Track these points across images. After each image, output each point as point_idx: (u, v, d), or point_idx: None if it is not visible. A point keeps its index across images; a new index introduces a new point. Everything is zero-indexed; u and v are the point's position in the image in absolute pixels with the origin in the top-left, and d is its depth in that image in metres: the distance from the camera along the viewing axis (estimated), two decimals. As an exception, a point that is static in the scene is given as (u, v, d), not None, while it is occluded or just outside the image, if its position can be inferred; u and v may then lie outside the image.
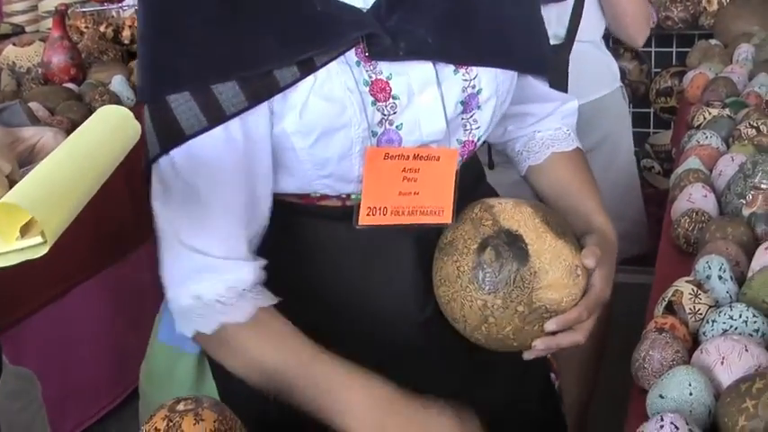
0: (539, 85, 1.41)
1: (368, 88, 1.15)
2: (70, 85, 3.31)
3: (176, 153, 1.11)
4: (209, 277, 1.13)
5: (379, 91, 1.16)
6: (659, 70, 4.04)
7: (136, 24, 3.91)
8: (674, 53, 4.12)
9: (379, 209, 1.19)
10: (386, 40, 1.15)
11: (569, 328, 1.22)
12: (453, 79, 1.22)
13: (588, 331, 1.24)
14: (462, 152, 1.27)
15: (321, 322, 1.19)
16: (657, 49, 4.12)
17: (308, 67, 1.12)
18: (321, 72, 1.13)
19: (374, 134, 1.17)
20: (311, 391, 1.14)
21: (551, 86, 1.43)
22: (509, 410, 1.38)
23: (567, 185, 1.39)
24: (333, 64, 1.13)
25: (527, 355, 1.23)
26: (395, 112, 1.17)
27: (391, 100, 1.17)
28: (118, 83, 3.27)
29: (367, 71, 1.15)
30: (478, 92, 1.24)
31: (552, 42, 1.86)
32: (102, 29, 3.98)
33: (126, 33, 3.98)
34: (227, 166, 1.12)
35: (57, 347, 2.76)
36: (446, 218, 1.23)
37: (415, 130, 1.20)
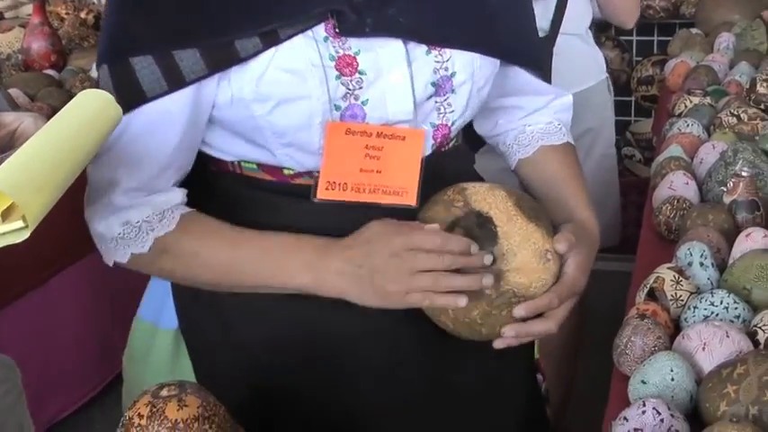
0: (529, 78, 1.39)
1: (333, 63, 1.15)
2: (50, 72, 3.28)
3: (133, 113, 1.14)
4: (136, 207, 1.18)
5: (345, 66, 1.16)
6: (640, 59, 4.06)
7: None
8: (655, 42, 4.14)
9: (339, 184, 1.19)
10: (352, 16, 1.15)
11: (541, 316, 1.19)
12: (425, 59, 1.21)
13: (561, 321, 1.20)
14: (435, 136, 1.26)
15: (285, 302, 1.21)
16: (639, 38, 4.14)
17: (270, 39, 1.13)
18: (284, 44, 1.14)
19: (338, 108, 1.17)
20: (257, 266, 1.17)
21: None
22: (492, 406, 1.38)
23: (553, 178, 1.37)
24: (298, 38, 1.14)
25: (497, 344, 1.19)
26: (360, 88, 1.17)
27: (357, 75, 1.17)
28: (98, 69, 3.25)
29: (334, 47, 1.16)
30: (452, 75, 1.23)
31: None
32: (82, 15, 3.95)
33: (107, 20, 3.95)
34: (171, 125, 1.16)
35: (38, 335, 2.75)
36: (409, 199, 1.21)
37: (381, 107, 1.19)
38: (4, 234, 0.79)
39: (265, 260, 1.18)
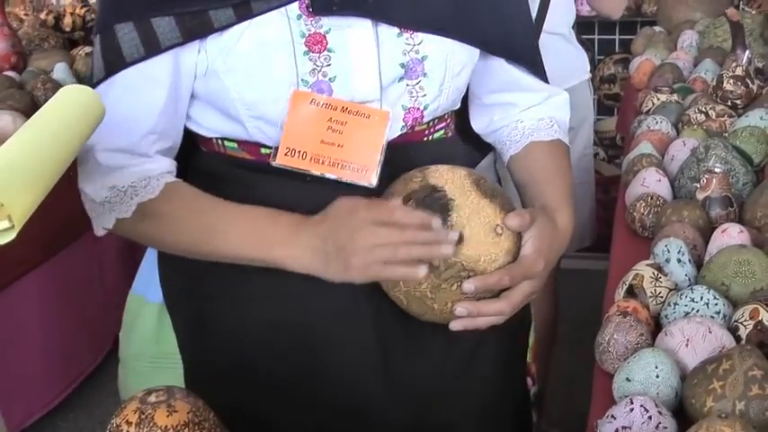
0: (520, 75, 1.40)
1: (303, 40, 1.19)
2: (11, 74, 3.23)
3: (116, 77, 1.21)
4: (123, 170, 1.22)
5: (315, 43, 1.20)
6: (602, 57, 4.08)
7: (77, 12, 3.86)
8: (617, 40, 4.18)
9: (299, 152, 1.22)
10: None
11: (494, 296, 1.19)
12: (395, 41, 1.24)
13: (515, 304, 1.20)
14: (406, 119, 1.28)
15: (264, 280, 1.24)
16: (600, 37, 4.17)
17: (244, 12, 1.18)
18: (257, 19, 1.19)
19: (305, 83, 1.20)
20: (239, 235, 1.20)
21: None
22: (480, 404, 1.38)
23: (536, 173, 1.38)
24: (272, 13, 1.19)
25: (453, 325, 1.19)
26: (329, 65, 1.21)
27: (326, 52, 1.21)
28: (60, 71, 3.20)
29: (306, 25, 1.20)
30: (423, 58, 1.25)
31: None
32: (42, 16, 3.91)
33: (67, 21, 3.90)
34: (152, 90, 1.22)
35: (1, 340, 2.71)
36: (368, 178, 1.23)
37: (347, 85, 1.22)
38: None
39: (247, 230, 1.20)
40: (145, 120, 1.22)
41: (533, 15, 2.32)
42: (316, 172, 1.22)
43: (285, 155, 1.22)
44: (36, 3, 4.12)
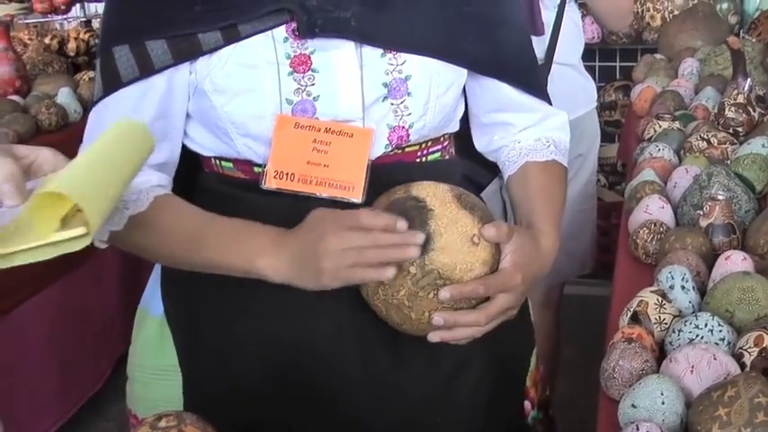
0: (513, 94, 1.41)
1: (288, 61, 1.25)
2: (15, 98, 3.26)
3: (113, 96, 1.27)
4: None
5: (300, 64, 1.25)
6: (603, 84, 4.10)
7: (81, 36, 3.88)
8: (617, 67, 4.19)
9: (287, 174, 1.27)
10: (303, 16, 1.23)
11: (472, 308, 1.20)
12: (378, 61, 1.28)
13: (491, 316, 1.21)
14: (391, 137, 1.30)
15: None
16: (601, 64, 4.19)
17: (231, 35, 1.24)
18: (244, 42, 1.24)
19: (289, 102, 1.26)
20: (225, 245, 1.23)
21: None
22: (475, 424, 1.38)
23: (528, 192, 1.40)
24: (258, 36, 1.24)
25: (431, 336, 1.21)
26: (313, 84, 1.26)
27: (310, 72, 1.25)
28: (64, 95, 3.22)
29: (292, 47, 1.25)
30: (407, 78, 1.29)
31: None
32: (46, 41, 3.93)
33: (71, 45, 3.93)
34: (146, 108, 1.27)
35: (2, 364, 2.71)
36: (356, 194, 1.27)
37: (331, 104, 1.26)
38: (65, 241, 0.81)
39: (230, 241, 1.23)
40: None
41: (545, 47, 2.37)
42: (305, 192, 1.26)
43: (274, 177, 1.27)
44: (40, 28, 4.14)
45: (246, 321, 1.31)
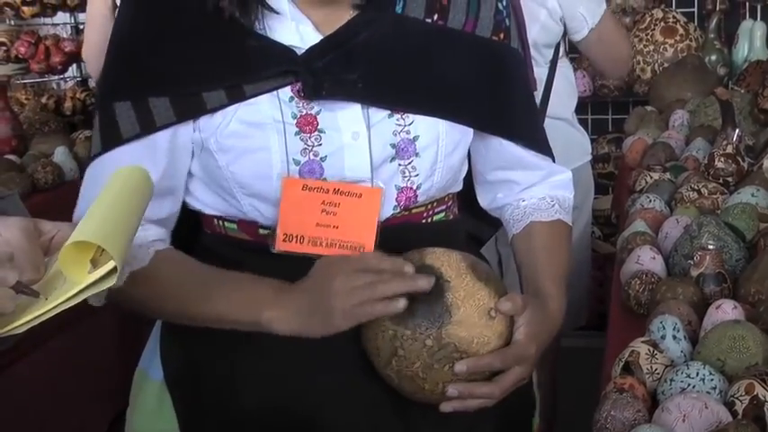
0: (518, 152, 1.41)
1: (295, 120, 1.24)
2: (12, 157, 3.27)
3: (113, 152, 1.26)
4: None
5: (306, 124, 1.24)
6: (596, 137, 4.13)
7: (78, 96, 3.91)
8: (609, 120, 4.22)
9: (296, 237, 1.25)
10: (309, 79, 1.23)
11: (486, 380, 1.20)
12: (386, 122, 1.27)
13: (505, 389, 1.21)
14: (399, 198, 1.30)
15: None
16: (594, 117, 4.22)
17: (236, 95, 1.23)
18: (249, 101, 1.24)
19: (297, 162, 1.24)
20: (229, 297, 1.22)
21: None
22: None
23: (533, 253, 1.39)
24: (264, 96, 1.23)
25: (443, 407, 1.20)
26: (320, 144, 1.25)
27: (317, 132, 1.24)
28: (60, 154, 3.24)
29: (298, 107, 1.24)
30: (415, 138, 1.28)
31: None
32: (43, 100, 3.96)
33: (68, 105, 3.95)
34: (147, 163, 1.20)
35: (2, 419, 2.70)
36: None
37: (338, 165, 1.26)
38: (97, 282, 0.86)
39: (235, 293, 1.22)
40: None
41: (537, 101, 2.41)
42: (315, 254, 1.24)
43: (284, 241, 1.25)
44: (37, 87, 4.18)
45: (251, 388, 1.28)
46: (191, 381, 1.33)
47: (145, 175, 1.03)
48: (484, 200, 1.49)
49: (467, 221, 1.51)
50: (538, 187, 1.45)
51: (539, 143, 1.44)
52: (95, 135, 1.28)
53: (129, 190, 0.97)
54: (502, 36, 1.36)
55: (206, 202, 1.32)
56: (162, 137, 1.25)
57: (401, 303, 1.15)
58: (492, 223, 1.55)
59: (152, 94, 1.24)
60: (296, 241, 1.25)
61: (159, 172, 1.25)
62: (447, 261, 1.21)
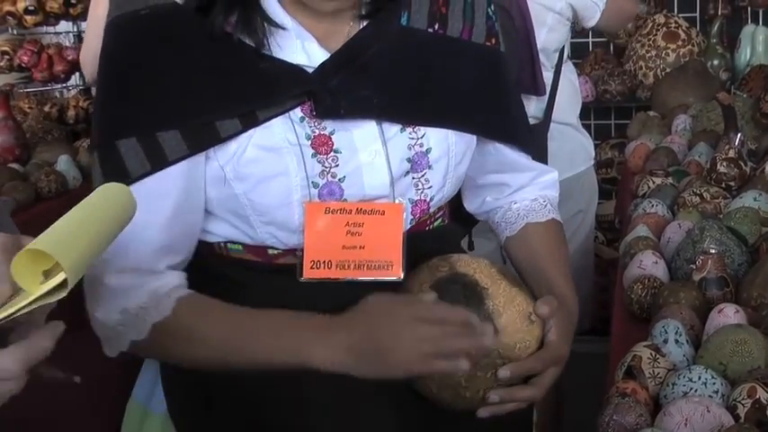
0: (512, 155, 1.43)
1: (309, 142, 1.20)
2: (15, 166, 3.27)
3: None
4: (132, 291, 1.18)
5: (321, 145, 1.21)
6: (599, 142, 4.13)
7: (81, 104, 3.91)
8: (612, 125, 4.22)
9: (324, 262, 1.22)
10: (326, 99, 1.20)
11: (524, 383, 1.21)
12: (400, 137, 1.26)
13: (545, 389, 1.23)
14: (414, 212, 1.29)
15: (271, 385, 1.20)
16: (597, 122, 4.22)
17: (250, 121, 1.18)
18: (264, 125, 1.18)
19: (315, 185, 1.21)
20: (269, 343, 1.16)
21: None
22: None
23: (535, 254, 1.40)
24: (277, 119, 1.19)
25: (482, 412, 1.20)
26: (337, 165, 1.22)
27: (333, 153, 1.21)
28: (63, 163, 3.24)
29: (310, 126, 1.20)
30: (428, 151, 1.28)
31: (531, 122, 1.93)
32: (46, 109, 3.96)
33: (71, 113, 3.96)
34: (160, 205, 1.19)
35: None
36: (395, 272, 1.24)
37: (358, 184, 1.23)
38: (45, 294, 0.83)
39: (277, 335, 1.17)
40: (154, 236, 1.19)
41: (543, 107, 2.41)
42: (343, 278, 1.22)
43: (311, 268, 1.22)
44: (40, 96, 4.18)
45: (267, 410, 1.23)
46: (197, 414, 1.30)
47: (126, 194, 0.99)
48: (471, 204, 1.50)
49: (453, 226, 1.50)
50: (528, 189, 1.46)
51: (529, 145, 1.45)
52: (96, 176, 1.20)
53: (105, 208, 0.94)
54: (493, 41, 1.36)
55: (215, 231, 1.26)
56: (173, 172, 1.18)
57: (464, 365, 1.12)
58: (466, 224, 1.55)
59: (161, 129, 1.17)
60: (324, 266, 1.22)
61: (174, 213, 1.20)
62: (478, 267, 1.21)
